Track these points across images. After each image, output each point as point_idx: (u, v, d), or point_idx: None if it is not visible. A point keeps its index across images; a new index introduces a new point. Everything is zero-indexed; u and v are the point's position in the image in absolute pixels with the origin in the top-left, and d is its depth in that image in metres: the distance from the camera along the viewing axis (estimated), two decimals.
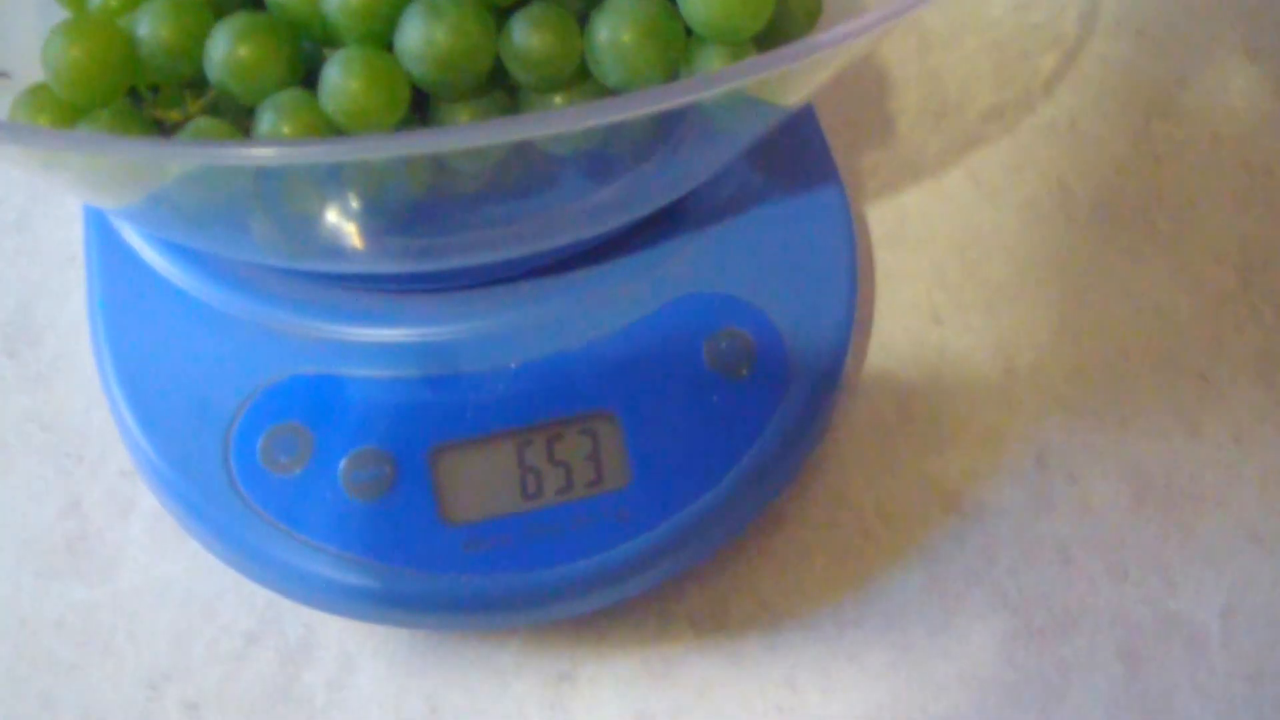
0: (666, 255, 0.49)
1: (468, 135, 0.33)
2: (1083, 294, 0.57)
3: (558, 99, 0.41)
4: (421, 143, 0.34)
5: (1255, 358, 0.56)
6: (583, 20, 0.39)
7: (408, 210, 0.43)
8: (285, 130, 0.38)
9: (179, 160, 0.35)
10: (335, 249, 0.44)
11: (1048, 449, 0.53)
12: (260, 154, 0.32)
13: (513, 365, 0.47)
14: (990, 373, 0.55)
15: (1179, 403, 0.54)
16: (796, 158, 0.52)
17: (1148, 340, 0.56)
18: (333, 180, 0.40)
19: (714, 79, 0.34)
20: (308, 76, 0.40)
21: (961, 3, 0.64)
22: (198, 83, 0.41)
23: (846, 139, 0.60)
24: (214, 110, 0.41)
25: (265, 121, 0.38)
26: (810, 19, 0.43)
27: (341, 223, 0.42)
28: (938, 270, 0.58)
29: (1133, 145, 0.63)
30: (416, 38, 0.37)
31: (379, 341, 0.47)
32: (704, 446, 0.47)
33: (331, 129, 0.38)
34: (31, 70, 0.42)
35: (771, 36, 0.41)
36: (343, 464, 0.45)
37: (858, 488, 0.52)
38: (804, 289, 0.50)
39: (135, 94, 0.41)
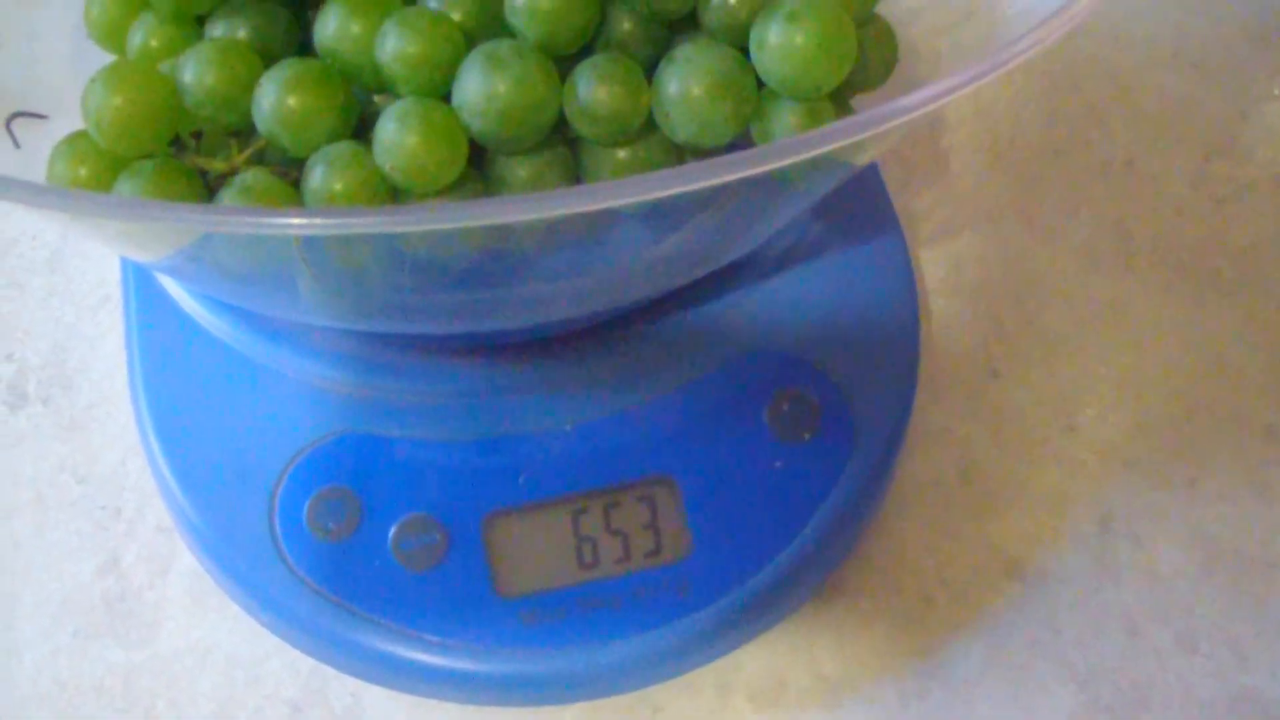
0: (725, 311, 0.48)
1: (535, 206, 0.32)
2: (1144, 345, 0.56)
3: (621, 153, 0.39)
4: (485, 213, 0.32)
5: None
6: (649, 69, 0.38)
7: (457, 270, 0.41)
8: (337, 186, 0.37)
9: (231, 229, 0.33)
10: (382, 310, 0.43)
11: (1112, 511, 0.52)
12: (317, 224, 0.30)
13: (568, 427, 0.45)
14: (1051, 430, 0.53)
15: (1246, 461, 0.53)
16: (856, 205, 0.51)
17: (1213, 394, 0.55)
18: (383, 244, 0.38)
19: (796, 145, 0.32)
20: (359, 123, 0.38)
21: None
22: (244, 130, 0.39)
23: (899, 178, 0.58)
24: (261, 158, 0.39)
25: (316, 176, 0.37)
26: (887, 69, 0.41)
27: (389, 284, 0.41)
28: (994, 319, 0.56)
29: (1192, 186, 0.62)
30: (477, 90, 0.36)
31: (429, 401, 0.46)
32: (766, 515, 0.45)
33: (385, 185, 0.37)
34: (61, 104, 0.41)
35: (845, 86, 0.40)
36: (392, 531, 0.44)
37: (918, 552, 0.51)
38: (867, 346, 0.48)
39: (178, 139, 0.39)
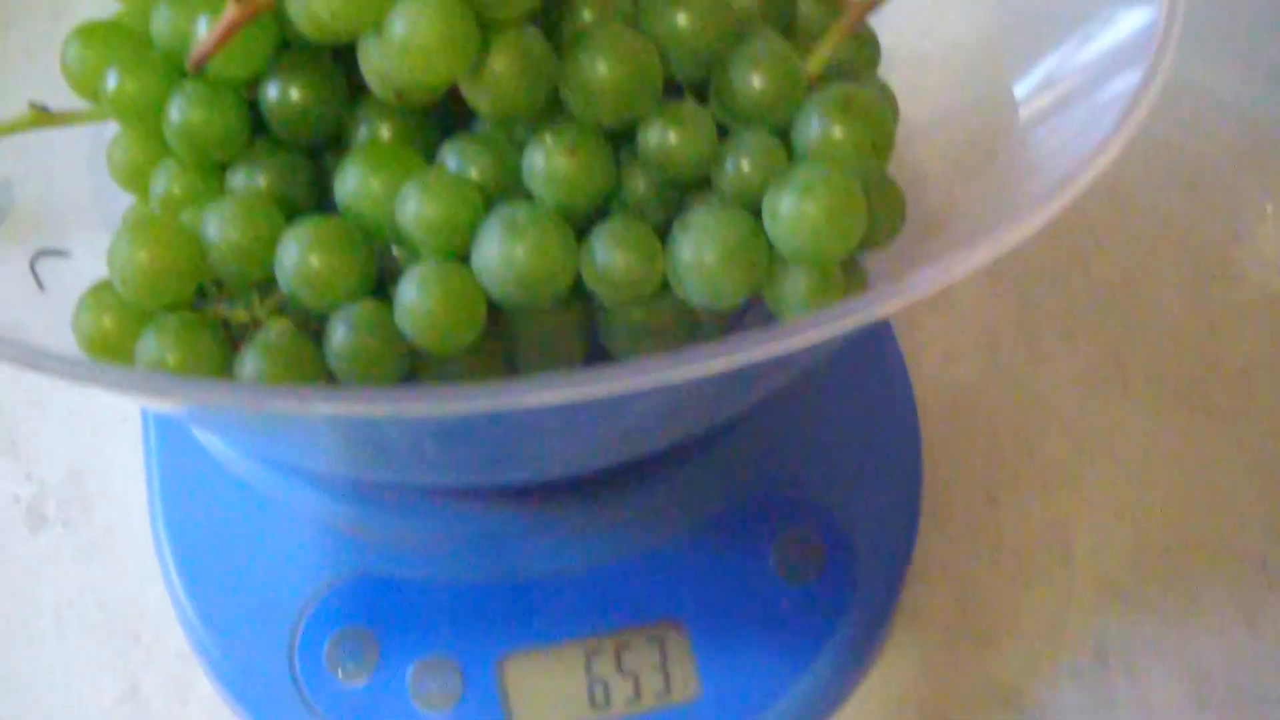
0: (729, 453, 0.49)
1: (557, 390, 0.33)
2: (1139, 474, 0.57)
3: (636, 313, 0.40)
4: (510, 398, 0.34)
5: None
6: (663, 229, 0.39)
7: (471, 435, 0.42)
8: (359, 348, 0.38)
9: (255, 408, 0.35)
10: (396, 465, 0.44)
11: (1107, 642, 0.53)
12: (341, 407, 0.32)
13: (581, 571, 0.47)
14: (1047, 559, 0.55)
15: (1238, 593, 0.55)
16: (861, 346, 0.52)
17: (1206, 525, 0.56)
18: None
19: (804, 326, 0.33)
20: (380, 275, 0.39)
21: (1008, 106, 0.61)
22: (266, 281, 0.40)
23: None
24: (282, 307, 0.40)
25: (339, 336, 0.38)
26: (895, 228, 0.42)
27: (405, 446, 0.42)
28: (993, 446, 0.58)
29: (1187, 309, 0.63)
30: (496, 256, 0.37)
31: (445, 543, 0.47)
32: (772, 656, 0.47)
33: (405, 344, 0.38)
34: (79, 229, 0.44)
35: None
36: (410, 673, 0.45)
37: (918, 684, 0.52)
38: (871, 486, 0.50)
39: (200, 288, 0.41)
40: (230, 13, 0.37)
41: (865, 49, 0.45)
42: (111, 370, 0.38)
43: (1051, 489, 0.56)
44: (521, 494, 0.47)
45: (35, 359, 0.31)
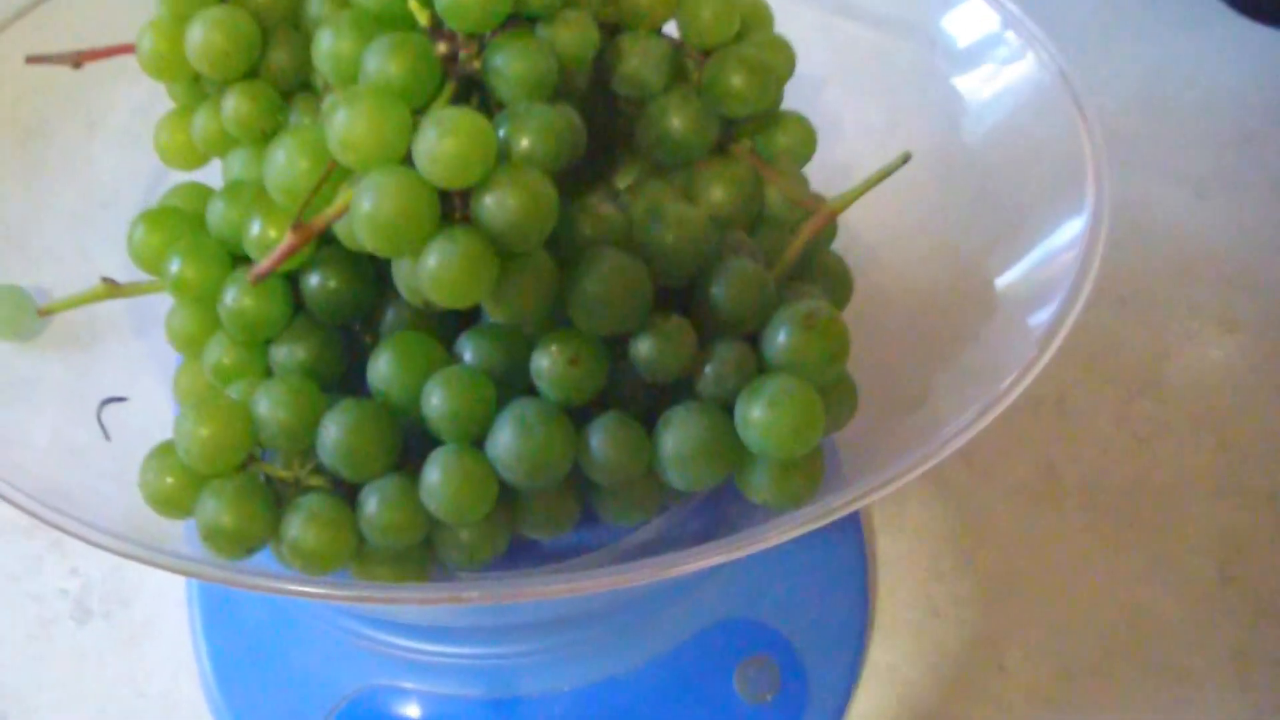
0: (695, 588, 0.56)
1: (563, 581, 0.40)
2: (1069, 588, 0.63)
3: (624, 491, 0.47)
4: (524, 589, 0.41)
5: (1232, 657, 0.62)
6: (649, 420, 0.45)
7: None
8: (388, 518, 0.44)
9: (297, 595, 0.42)
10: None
11: None
12: (376, 596, 0.39)
13: (565, 689, 0.53)
14: (983, 670, 0.61)
15: (1159, 703, 0.61)
16: None
17: (1130, 639, 0.62)
18: None
19: (765, 533, 0.41)
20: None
21: (951, 261, 0.64)
22: (307, 447, 0.46)
23: (860, 449, 0.66)
24: (320, 469, 0.47)
25: (371, 506, 0.44)
26: (848, 418, 0.49)
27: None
28: (935, 560, 0.64)
29: (1117, 425, 0.70)
30: (508, 448, 0.43)
31: (446, 661, 0.54)
32: None
33: (429, 515, 0.44)
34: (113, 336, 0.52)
35: None
36: None
37: None
38: (823, 613, 0.57)
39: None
40: (288, 239, 0.43)
41: (826, 229, 0.51)
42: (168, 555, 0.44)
43: (988, 602, 0.63)
44: (515, 627, 0.54)
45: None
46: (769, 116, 0.52)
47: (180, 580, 0.60)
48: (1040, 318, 0.49)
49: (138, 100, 0.57)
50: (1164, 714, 0.61)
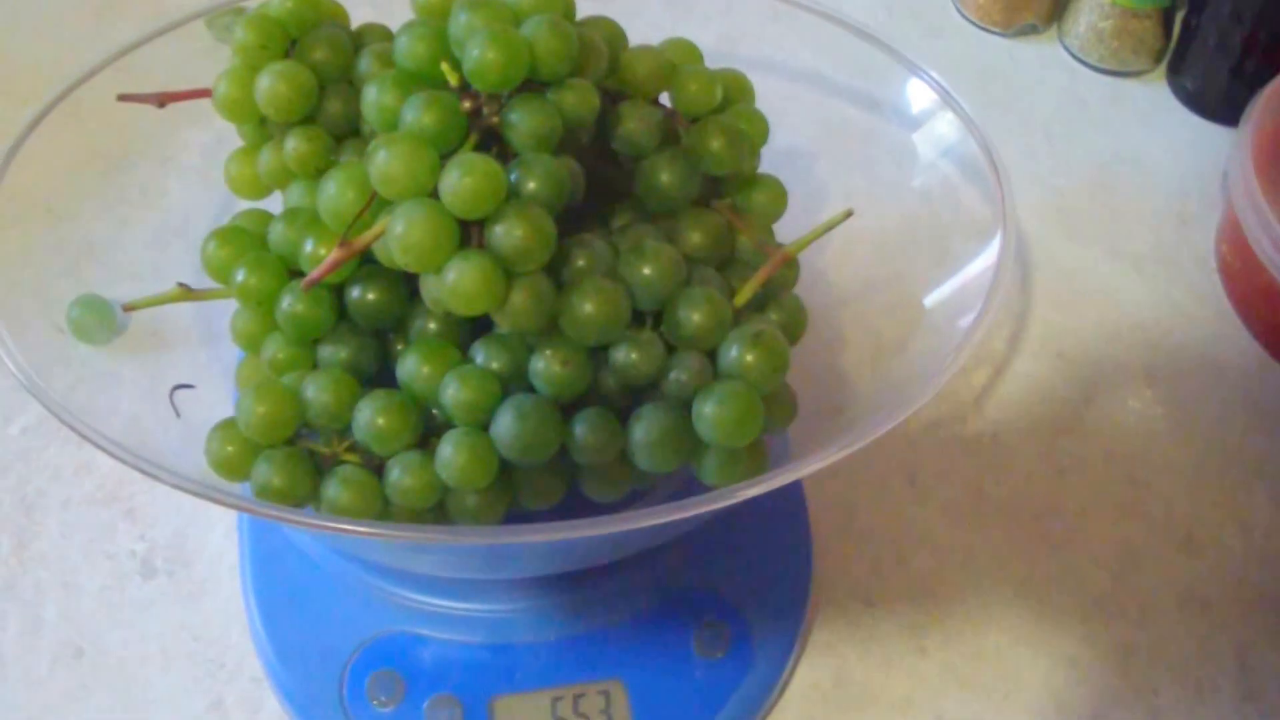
0: (665, 561, 0.67)
1: (551, 531, 0.50)
2: (986, 587, 0.72)
3: (601, 470, 0.56)
4: (524, 535, 0.51)
5: (1118, 648, 0.71)
6: (624, 415, 0.54)
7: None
8: (408, 483, 0.53)
9: (329, 530, 0.52)
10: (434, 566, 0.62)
11: (945, 715, 0.70)
12: (397, 534, 0.51)
13: (553, 639, 0.64)
14: (906, 651, 0.70)
15: (1054, 687, 0.69)
16: None
17: (1034, 632, 0.71)
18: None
19: (711, 498, 0.51)
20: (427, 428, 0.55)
21: (908, 314, 0.70)
22: (344, 428, 0.55)
23: (807, 448, 0.73)
24: (354, 446, 0.55)
25: (394, 474, 0.53)
26: (789, 421, 0.57)
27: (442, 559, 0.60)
28: (875, 560, 0.73)
29: (1041, 459, 0.79)
30: (508, 431, 0.52)
31: (454, 612, 0.64)
32: (688, 710, 0.64)
33: (442, 484, 0.54)
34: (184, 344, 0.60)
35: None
36: (425, 705, 0.62)
37: None
38: (770, 588, 0.67)
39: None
40: (336, 253, 0.52)
41: (788, 271, 0.61)
42: (226, 492, 0.55)
43: (917, 596, 0.71)
44: (514, 584, 0.65)
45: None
46: (749, 177, 0.61)
47: (233, 546, 0.69)
48: (960, 327, 0.58)
49: (206, 142, 0.66)
50: (1056, 694, 0.69)
